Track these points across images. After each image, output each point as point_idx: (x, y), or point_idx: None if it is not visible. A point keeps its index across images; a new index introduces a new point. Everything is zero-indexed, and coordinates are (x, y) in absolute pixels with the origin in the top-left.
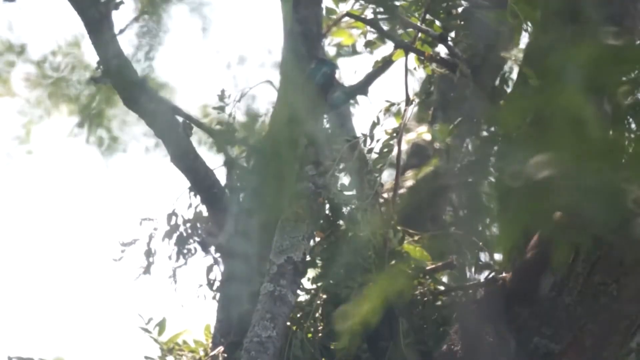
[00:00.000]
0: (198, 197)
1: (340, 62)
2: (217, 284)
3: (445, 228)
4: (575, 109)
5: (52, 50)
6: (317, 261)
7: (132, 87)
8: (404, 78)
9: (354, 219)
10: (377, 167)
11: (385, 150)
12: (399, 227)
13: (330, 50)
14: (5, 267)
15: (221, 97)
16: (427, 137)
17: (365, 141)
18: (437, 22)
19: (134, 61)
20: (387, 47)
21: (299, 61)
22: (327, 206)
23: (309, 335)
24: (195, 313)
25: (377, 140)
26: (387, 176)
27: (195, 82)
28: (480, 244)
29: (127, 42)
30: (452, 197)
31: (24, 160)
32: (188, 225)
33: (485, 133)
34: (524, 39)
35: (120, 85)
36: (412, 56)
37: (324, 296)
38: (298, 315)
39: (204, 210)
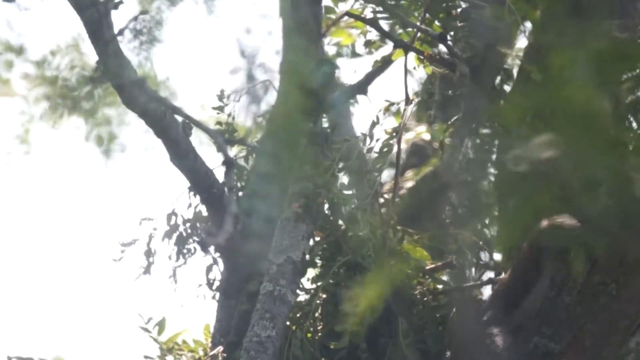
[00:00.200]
0: (198, 197)
1: (340, 61)
2: (216, 283)
3: (445, 228)
4: (582, 102)
5: (52, 50)
6: (317, 261)
7: (132, 87)
8: (404, 77)
9: (353, 219)
10: (377, 166)
11: (385, 149)
12: (398, 227)
13: (330, 50)
14: (5, 267)
15: (220, 97)
16: (427, 136)
17: (364, 140)
18: (437, 22)
19: (133, 61)
20: (387, 47)
21: (298, 61)
22: (327, 206)
23: (309, 334)
24: (195, 313)
25: (377, 140)
26: (386, 176)
27: (195, 81)
28: (481, 243)
29: (126, 42)
30: (451, 197)
31: (23, 159)
32: (188, 225)
33: (485, 131)
34: (523, 37)
35: (119, 85)
36: (411, 56)
37: (324, 296)
38: (297, 315)
39: (203, 210)
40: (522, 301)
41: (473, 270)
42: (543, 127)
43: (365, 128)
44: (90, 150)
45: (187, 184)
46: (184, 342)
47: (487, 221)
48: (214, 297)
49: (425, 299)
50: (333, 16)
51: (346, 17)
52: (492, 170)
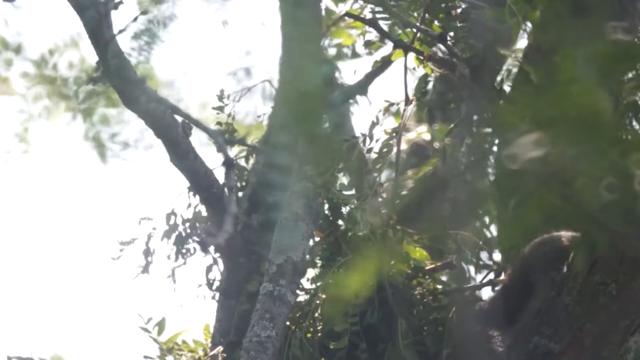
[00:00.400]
0: (197, 196)
1: (340, 62)
2: (216, 283)
3: (445, 228)
4: (584, 102)
5: (50, 48)
6: (317, 261)
7: (132, 87)
8: (404, 78)
9: (353, 219)
10: (377, 166)
11: (385, 150)
12: (398, 227)
13: (330, 50)
14: (4, 266)
15: (220, 97)
16: (427, 136)
17: (364, 141)
18: (436, 22)
19: (133, 60)
20: (387, 47)
21: (298, 61)
22: (327, 206)
23: (308, 335)
24: (195, 313)
25: (377, 140)
26: (386, 176)
27: (195, 81)
28: (481, 243)
29: (126, 42)
30: (451, 197)
31: (22, 158)
32: (187, 224)
33: (485, 131)
34: (523, 38)
35: (119, 85)
36: (411, 56)
37: (323, 296)
38: (297, 315)
39: (203, 210)
40: (522, 304)
41: (473, 270)
42: (544, 127)
43: (365, 128)
44: (89, 149)
45: (187, 183)
46: (184, 342)
47: (487, 221)
48: (213, 297)
49: (425, 299)
50: (333, 17)
51: (346, 18)
52: (492, 170)
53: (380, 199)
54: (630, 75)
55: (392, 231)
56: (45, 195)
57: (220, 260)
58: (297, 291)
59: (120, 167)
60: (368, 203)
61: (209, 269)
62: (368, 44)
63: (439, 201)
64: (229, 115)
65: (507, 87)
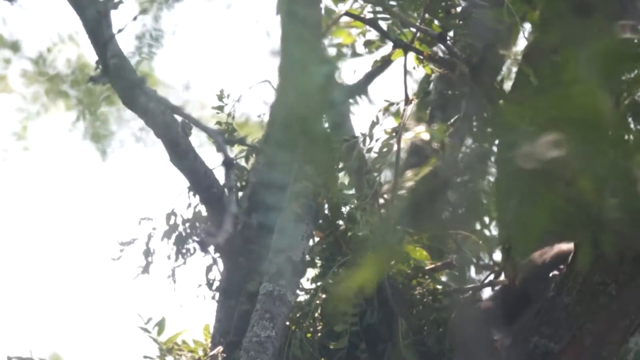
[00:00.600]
0: (197, 196)
1: (340, 61)
2: (216, 283)
3: (444, 228)
4: (586, 102)
5: (49, 46)
6: (317, 261)
7: (131, 86)
8: (403, 77)
9: (353, 219)
10: (377, 166)
11: (385, 149)
12: (398, 227)
13: (330, 50)
14: (3, 265)
15: (220, 97)
16: (426, 136)
17: (364, 141)
18: (436, 22)
19: (133, 60)
20: (387, 47)
21: (297, 61)
22: (327, 206)
23: (308, 335)
24: (195, 313)
25: (377, 140)
26: (386, 176)
27: (195, 81)
28: (480, 243)
29: (126, 42)
30: (451, 196)
31: (21, 157)
32: (187, 224)
33: (484, 131)
34: (522, 38)
35: (119, 85)
36: (411, 55)
37: (323, 296)
38: (297, 315)
39: (203, 210)
40: (522, 305)
41: (473, 270)
42: (546, 127)
43: (365, 128)
44: (89, 148)
45: (187, 183)
46: (184, 342)
47: (487, 221)
48: (213, 297)
49: (425, 299)
50: (333, 16)
51: (346, 17)
52: (492, 169)
53: (380, 199)
54: (631, 74)
55: (392, 231)
56: (44, 195)
57: (220, 260)
58: (297, 291)
59: (120, 166)
60: (368, 203)
61: (208, 269)
62: (368, 44)
63: (439, 201)
64: (229, 114)
65: (507, 87)
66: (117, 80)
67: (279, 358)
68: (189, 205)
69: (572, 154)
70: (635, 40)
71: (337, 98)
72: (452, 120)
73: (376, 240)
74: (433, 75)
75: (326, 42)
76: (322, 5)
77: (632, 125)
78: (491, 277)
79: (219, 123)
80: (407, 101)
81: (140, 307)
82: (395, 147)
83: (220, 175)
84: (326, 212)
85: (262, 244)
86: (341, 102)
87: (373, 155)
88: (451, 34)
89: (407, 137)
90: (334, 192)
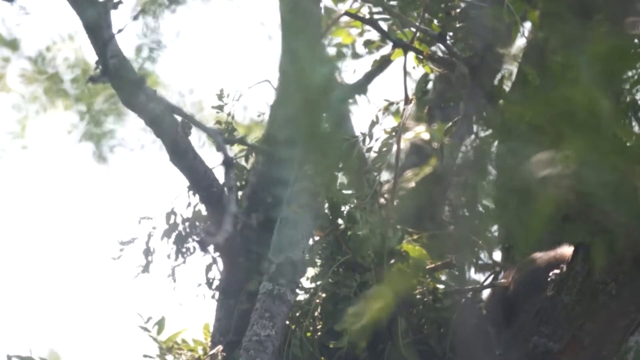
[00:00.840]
0: (197, 196)
1: (340, 61)
2: (216, 282)
3: (444, 227)
4: (591, 104)
5: (47, 46)
6: (316, 260)
7: (131, 86)
8: (403, 77)
9: (353, 218)
10: (376, 166)
11: (384, 149)
12: (398, 226)
13: (330, 50)
14: (2, 265)
15: (220, 96)
16: (426, 136)
17: (364, 140)
18: (436, 22)
19: (133, 60)
20: (386, 47)
21: (297, 60)
22: (326, 205)
23: (308, 334)
24: (194, 312)
25: (376, 139)
26: (386, 175)
27: (195, 81)
28: (480, 242)
29: (125, 42)
30: (451, 196)
31: (20, 156)
32: (187, 224)
33: (484, 131)
34: (522, 38)
35: (119, 84)
36: (411, 55)
37: (323, 295)
38: (297, 314)
39: (202, 209)
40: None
41: (473, 270)
42: (547, 129)
43: (364, 128)
44: (89, 148)
45: (187, 183)
46: (184, 341)
47: (486, 221)
48: (213, 297)
49: (425, 299)
50: (333, 16)
51: (346, 17)
52: (492, 169)
53: (380, 199)
54: (630, 74)
55: (392, 231)
56: (44, 194)
57: (219, 260)
58: (297, 290)
59: (120, 166)
60: (368, 202)
61: (208, 268)
62: (367, 43)
63: (439, 201)
64: (229, 114)
65: (506, 87)
66: (117, 80)
67: (279, 357)
68: (189, 204)
69: (574, 156)
70: (636, 40)
71: (337, 98)
72: (452, 122)
73: (376, 240)
74: (431, 75)
75: (326, 41)
76: (322, 5)
77: (632, 125)
78: (491, 277)
79: (218, 123)
80: (407, 101)
81: (140, 306)
82: (395, 147)
83: (220, 174)
84: (326, 211)
85: (262, 244)
86: (341, 102)
87: (373, 154)
88: (451, 34)
89: (406, 137)
90: (334, 192)
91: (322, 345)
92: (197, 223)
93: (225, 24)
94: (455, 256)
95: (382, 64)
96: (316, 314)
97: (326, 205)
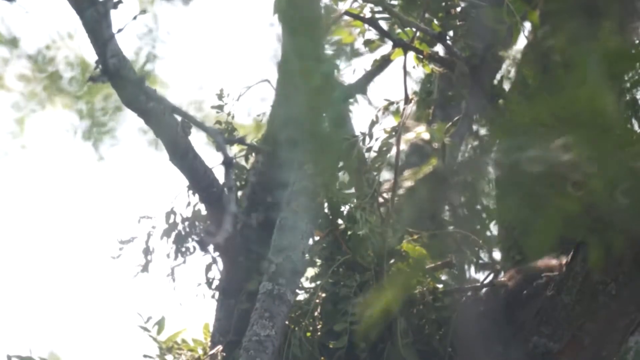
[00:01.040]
0: (196, 195)
1: (340, 61)
2: (215, 282)
3: (444, 227)
4: (598, 102)
5: (47, 44)
6: (316, 260)
7: (131, 86)
8: (403, 77)
9: (353, 218)
10: (376, 165)
11: (384, 149)
12: (398, 226)
13: (329, 49)
14: (2, 265)
15: (220, 96)
16: (426, 136)
17: (364, 140)
18: (436, 21)
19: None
20: (386, 46)
21: (297, 60)
22: (326, 205)
23: (308, 334)
24: (194, 312)
25: (376, 139)
26: (385, 175)
27: (194, 80)
28: (480, 242)
29: (125, 42)
30: (451, 196)
31: (19, 155)
32: (186, 223)
33: (484, 131)
34: (522, 38)
35: (118, 84)
36: (411, 55)
37: (323, 295)
38: (297, 314)
39: (202, 208)
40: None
41: (473, 270)
42: (551, 128)
43: (364, 127)
44: (89, 147)
45: (186, 182)
46: (184, 341)
47: (486, 221)
48: (213, 296)
49: (425, 298)
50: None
51: (346, 16)
52: (492, 169)
53: (379, 199)
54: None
55: (392, 231)
56: (44, 193)
57: (219, 259)
58: (297, 290)
59: (120, 165)
60: (367, 202)
61: (208, 268)
62: (368, 43)
63: (438, 200)
64: (229, 114)
65: (506, 87)
66: (117, 79)
67: (279, 357)
68: (189, 204)
69: (578, 155)
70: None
71: (337, 97)
72: (453, 121)
73: (376, 240)
74: (435, 75)
75: (326, 41)
76: (322, 5)
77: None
78: (491, 277)
79: (218, 122)
80: (407, 100)
81: (139, 306)
82: (395, 147)
83: (219, 174)
84: (326, 211)
85: (262, 244)
86: (341, 102)
87: (373, 154)
88: (451, 33)
89: (407, 137)
90: (333, 192)
91: (322, 345)
92: (197, 223)
93: (225, 24)
94: (455, 256)
95: (382, 64)
96: (316, 314)
97: (326, 205)
